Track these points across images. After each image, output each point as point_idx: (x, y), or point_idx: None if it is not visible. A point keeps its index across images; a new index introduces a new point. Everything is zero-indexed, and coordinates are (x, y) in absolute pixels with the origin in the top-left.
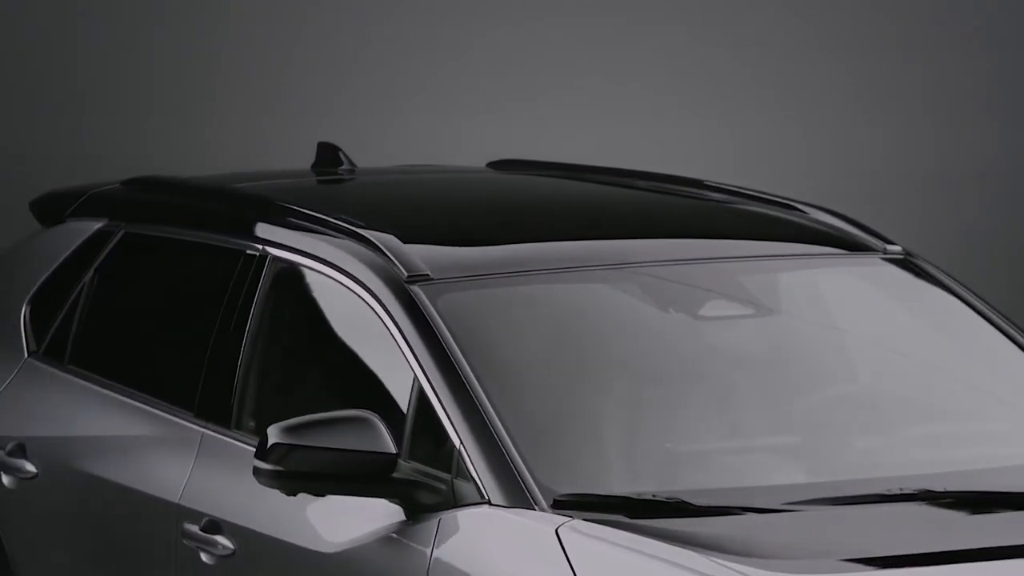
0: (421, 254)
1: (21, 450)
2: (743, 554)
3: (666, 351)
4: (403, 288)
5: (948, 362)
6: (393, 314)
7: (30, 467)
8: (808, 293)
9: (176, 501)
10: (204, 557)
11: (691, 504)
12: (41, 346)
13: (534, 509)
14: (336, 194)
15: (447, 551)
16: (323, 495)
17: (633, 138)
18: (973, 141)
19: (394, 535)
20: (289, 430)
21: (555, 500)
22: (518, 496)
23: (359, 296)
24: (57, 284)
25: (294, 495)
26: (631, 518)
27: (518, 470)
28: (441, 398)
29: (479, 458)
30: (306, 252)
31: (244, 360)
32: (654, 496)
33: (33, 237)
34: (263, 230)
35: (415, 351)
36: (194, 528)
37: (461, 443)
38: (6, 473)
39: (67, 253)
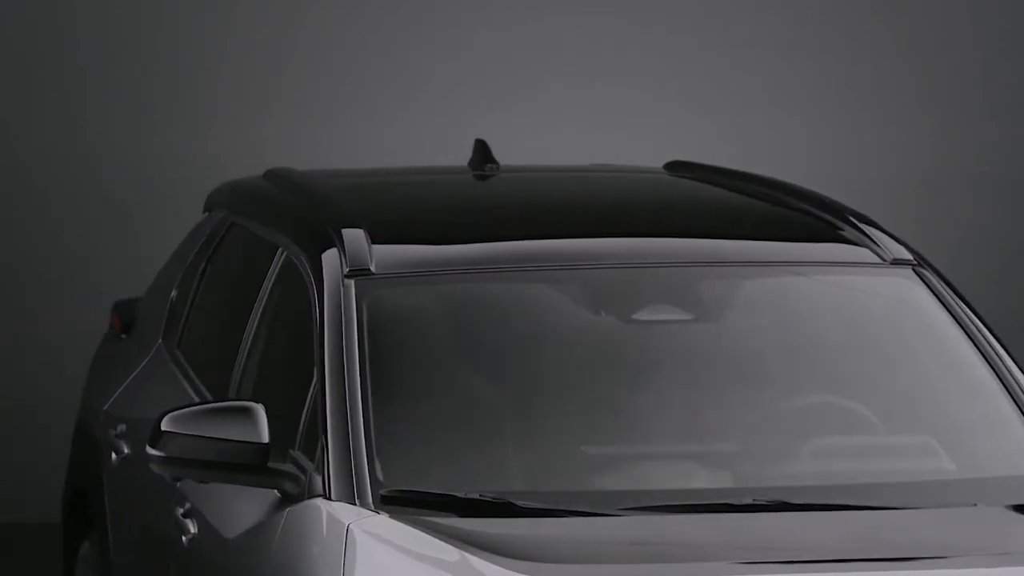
0: (377, 251)
1: (125, 431)
2: (519, 557)
3: (573, 355)
4: (338, 281)
5: (902, 377)
6: (319, 305)
7: (126, 447)
8: (786, 298)
9: (178, 486)
10: (183, 539)
11: (516, 505)
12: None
13: (355, 504)
14: (390, 191)
15: (282, 542)
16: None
17: (631, 137)
18: (970, 142)
19: (263, 524)
20: (178, 418)
21: (382, 496)
22: (347, 490)
23: (313, 289)
24: (188, 272)
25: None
26: (461, 516)
27: (356, 464)
28: (325, 390)
29: (332, 451)
30: (297, 247)
31: (242, 350)
32: (480, 496)
33: (195, 227)
34: (281, 224)
35: (322, 342)
36: (179, 512)
37: (324, 435)
38: (114, 452)
39: (201, 242)
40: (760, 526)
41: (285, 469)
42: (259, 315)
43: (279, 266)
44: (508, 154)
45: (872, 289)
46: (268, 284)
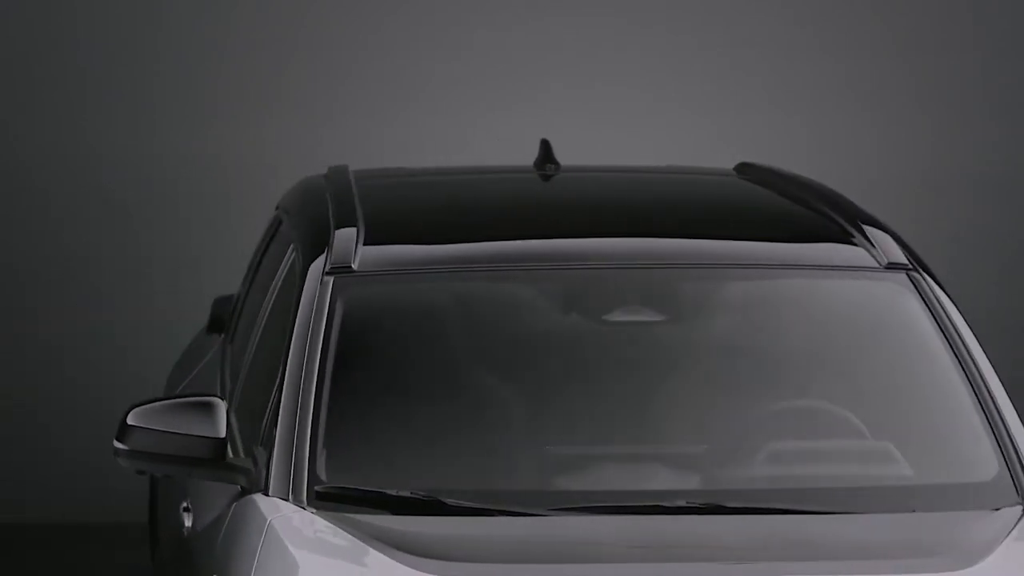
0: (364, 250)
1: None
2: (427, 555)
3: (538, 357)
4: (318, 278)
5: (873, 382)
6: (297, 302)
7: None
8: (771, 301)
9: (183, 484)
10: (184, 532)
11: (445, 503)
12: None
13: (288, 500)
14: (418, 191)
15: (225, 536)
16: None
17: (631, 137)
18: (970, 142)
19: (219, 518)
20: (143, 412)
21: (318, 493)
22: (284, 486)
23: (300, 287)
24: (249, 269)
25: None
26: (394, 514)
27: (296, 461)
28: (284, 385)
29: (277, 447)
30: (300, 244)
31: (250, 347)
32: (411, 494)
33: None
34: (296, 221)
35: (291, 337)
36: (182, 506)
37: (273, 431)
38: None
39: (263, 240)
40: (685, 528)
41: (240, 464)
42: (267, 313)
43: (288, 264)
44: (509, 154)
45: (862, 293)
46: (277, 282)
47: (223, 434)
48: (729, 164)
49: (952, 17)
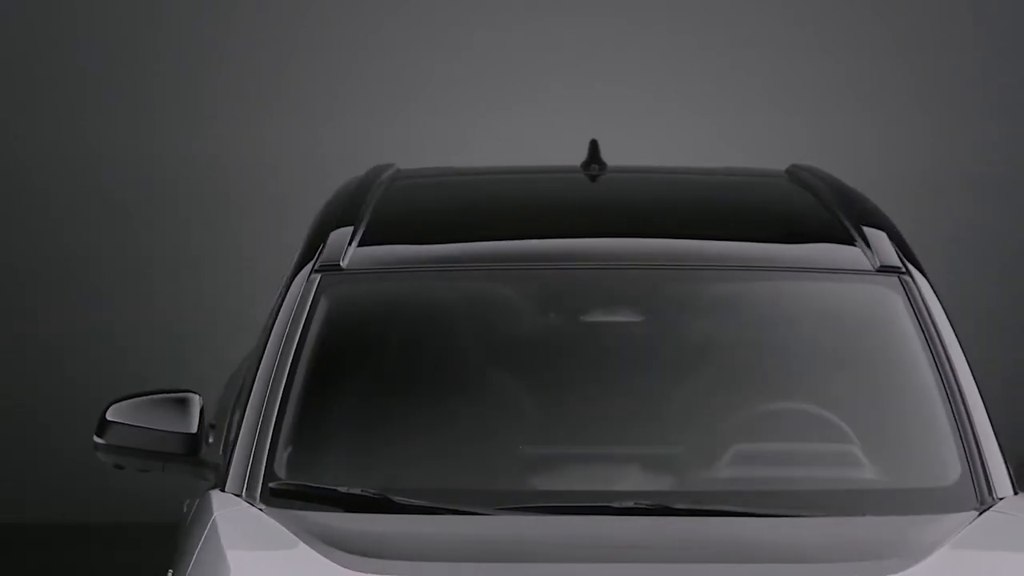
0: (356, 249)
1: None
2: (363, 553)
3: (505, 357)
4: (306, 275)
5: (847, 386)
6: (281, 297)
7: None
8: (756, 302)
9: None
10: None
11: (394, 501)
12: None
13: (240, 496)
14: (437, 191)
15: (184, 531)
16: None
17: (631, 137)
18: (970, 142)
19: (188, 512)
20: (122, 408)
21: (272, 489)
22: (239, 482)
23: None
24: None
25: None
26: (347, 512)
27: (254, 457)
28: (255, 381)
29: (239, 442)
30: (304, 243)
31: (258, 345)
32: (361, 491)
33: None
34: (313, 221)
35: (270, 333)
36: (186, 503)
37: (241, 427)
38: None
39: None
40: (632, 529)
41: (210, 460)
42: (274, 312)
43: (295, 263)
44: (508, 154)
45: (851, 295)
46: (284, 280)
47: (195, 429)
48: (730, 164)
49: (952, 17)
